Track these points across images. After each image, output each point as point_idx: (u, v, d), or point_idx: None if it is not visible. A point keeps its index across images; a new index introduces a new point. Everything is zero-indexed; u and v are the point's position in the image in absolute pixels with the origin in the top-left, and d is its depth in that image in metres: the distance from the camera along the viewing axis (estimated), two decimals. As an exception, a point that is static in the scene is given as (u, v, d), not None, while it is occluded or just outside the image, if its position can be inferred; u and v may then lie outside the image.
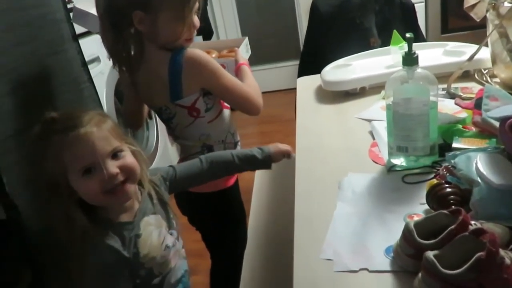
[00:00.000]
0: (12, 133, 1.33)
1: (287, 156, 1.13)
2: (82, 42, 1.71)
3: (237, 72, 1.27)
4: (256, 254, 1.24)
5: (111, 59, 1.21)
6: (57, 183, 0.83)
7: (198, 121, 1.18)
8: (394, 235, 0.73)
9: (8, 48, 1.31)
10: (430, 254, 0.61)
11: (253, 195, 1.60)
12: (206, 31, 3.03)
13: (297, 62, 2.36)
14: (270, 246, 1.28)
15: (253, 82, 1.25)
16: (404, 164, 0.96)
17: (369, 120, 1.20)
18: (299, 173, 1.02)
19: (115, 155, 0.83)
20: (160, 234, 0.91)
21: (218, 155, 1.12)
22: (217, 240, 1.39)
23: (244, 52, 1.38)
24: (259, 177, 1.70)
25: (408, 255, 0.67)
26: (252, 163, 1.12)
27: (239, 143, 1.32)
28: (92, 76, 1.79)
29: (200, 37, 2.97)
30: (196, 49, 1.15)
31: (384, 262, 0.71)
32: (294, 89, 1.92)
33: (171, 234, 0.94)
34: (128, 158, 0.85)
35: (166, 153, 2.60)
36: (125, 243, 0.85)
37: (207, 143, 1.22)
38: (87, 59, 1.74)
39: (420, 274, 0.63)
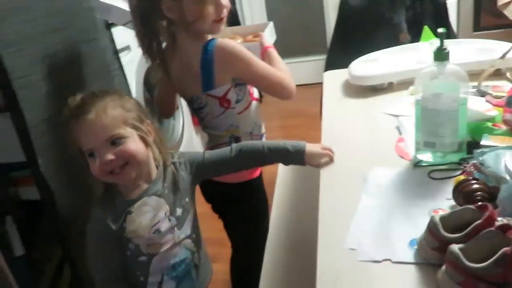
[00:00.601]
0: (46, 117, 1.38)
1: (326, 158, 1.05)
2: (114, 30, 1.75)
3: (264, 55, 1.27)
4: (278, 244, 1.27)
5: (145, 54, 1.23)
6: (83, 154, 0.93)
7: (228, 112, 1.20)
8: (418, 229, 0.73)
9: (45, 34, 1.36)
10: (455, 247, 0.61)
11: (276, 188, 1.62)
12: (233, 24, 3.04)
13: (323, 57, 2.36)
14: (293, 237, 1.30)
15: (283, 65, 1.24)
16: (431, 160, 0.96)
17: (397, 116, 1.20)
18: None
19: (113, 142, 0.89)
20: (155, 217, 0.95)
21: (248, 144, 1.12)
22: (239, 230, 1.41)
23: (268, 36, 1.38)
24: (283, 170, 1.72)
25: (433, 248, 0.68)
26: (282, 155, 1.07)
27: (264, 136, 1.33)
28: (123, 64, 1.84)
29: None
30: (227, 39, 1.16)
31: (407, 254, 0.72)
32: (319, 84, 1.92)
33: (169, 220, 0.97)
34: (129, 144, 0.90)
35: (191, 143, 2.64)
36: (116, 217, 0.92)
37: (235, 134, 1.23)
38: (118, 47, 1.79)
39: (444, 267, 0.63)
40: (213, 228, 1.82)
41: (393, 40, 1.74)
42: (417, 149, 0.98)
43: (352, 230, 0.79)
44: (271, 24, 1.43)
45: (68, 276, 1.57)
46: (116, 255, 0.95)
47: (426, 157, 0.96)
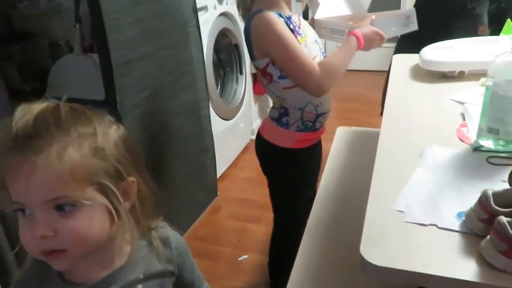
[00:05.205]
0: (127, 60, 1.50)
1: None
2: (195, -12, 1.83)
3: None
4: (323, 211, 1.32)
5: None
6: None
7: (273, 85, 1.22)
8: (468, 204, 0.75)
9: (137, -17, 1.47)
10: (504, 218, 0.64)
11: (327, 163, 1.67)
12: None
13: (391, 44, 2.32)
14: (339, 205, 1.35)
15: (338, 60, 1.18)
16: (492, 147, 0.96)
17: (463, 103, 1.19)
18: (383, 137, 1.06)
19: (59, 207, 0.56)
20: None
21: None
22: (272, 194, 1.43)
23: (398, 24, 1.30)
24: (336, 146, 1.76)
25: (480, 219, 0.70)
26: None
27: (323, 116, 1.29)
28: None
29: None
30: (269, 13, 1.13)
31: (454, 223, 0.75)
32: (383, 72, 1.91)
33: None
34: (80, 221, 0.57)
35: (248, 110, 2.72)
36: None
37: (284, 105, 1.25)
38: (197, 6, 1.88)
39: (489, 236, 0.66)
40: (257, 192, 1.90)
41: (470, 32, 1.69)
42: (479, 135, 0.99)
43: (403, 195, 0.82)
44: (406, 11, 1.28)
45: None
46: None
47: (487, 143, 0.97)
